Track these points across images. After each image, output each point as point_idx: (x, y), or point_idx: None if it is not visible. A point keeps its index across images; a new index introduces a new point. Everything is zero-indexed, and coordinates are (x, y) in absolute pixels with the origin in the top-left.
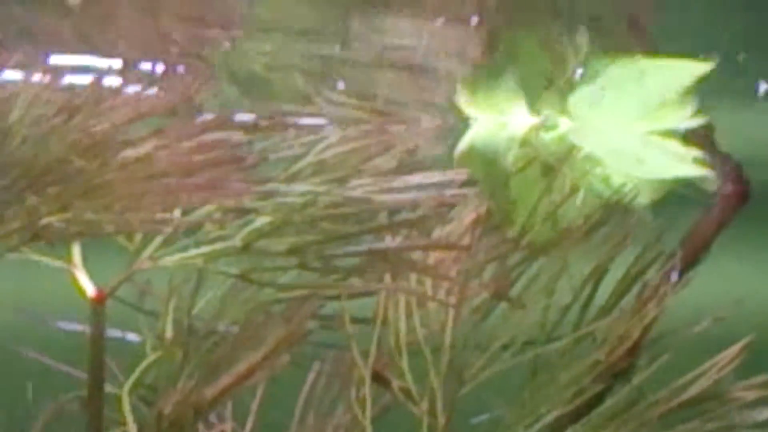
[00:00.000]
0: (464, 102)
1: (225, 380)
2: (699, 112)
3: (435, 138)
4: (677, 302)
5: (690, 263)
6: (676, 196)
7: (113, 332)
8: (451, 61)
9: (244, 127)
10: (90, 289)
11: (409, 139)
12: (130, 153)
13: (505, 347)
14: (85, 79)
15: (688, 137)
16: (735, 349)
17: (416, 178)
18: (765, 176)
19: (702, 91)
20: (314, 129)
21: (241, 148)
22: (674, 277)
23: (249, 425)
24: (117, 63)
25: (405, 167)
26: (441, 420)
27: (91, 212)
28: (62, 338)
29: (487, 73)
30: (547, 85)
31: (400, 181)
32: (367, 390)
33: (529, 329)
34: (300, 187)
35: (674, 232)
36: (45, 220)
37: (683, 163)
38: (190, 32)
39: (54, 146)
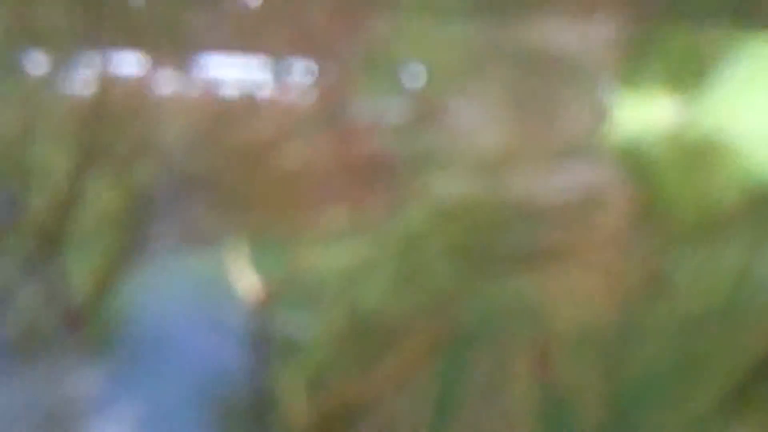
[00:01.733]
0: (615, 96)
1: (381, 377)
2: None
3: (589, 132)
4: None
5: None
6: None
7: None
8: (602, 56)
9: (396, 127)
10: (256, 287)
11: (564, 133)
12: (281, 161)
13: (662, 335)
14: (237, 82)
15: None
16: None
17: (571, 172)
18: None
19: None
20: (470, 123)
21: (391, 154)
22: None
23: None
24: (267, 63)
25: (560, 161)
26: (599, 407)
27: (247, 217)
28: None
29: (636, 67)
30: (694, 78)
31: (556, 174)
32: (528, 381)
33: (686, 317)
34: (457, 182)
35: None
36: (204, 224)
37: None
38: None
39: (210, 155)
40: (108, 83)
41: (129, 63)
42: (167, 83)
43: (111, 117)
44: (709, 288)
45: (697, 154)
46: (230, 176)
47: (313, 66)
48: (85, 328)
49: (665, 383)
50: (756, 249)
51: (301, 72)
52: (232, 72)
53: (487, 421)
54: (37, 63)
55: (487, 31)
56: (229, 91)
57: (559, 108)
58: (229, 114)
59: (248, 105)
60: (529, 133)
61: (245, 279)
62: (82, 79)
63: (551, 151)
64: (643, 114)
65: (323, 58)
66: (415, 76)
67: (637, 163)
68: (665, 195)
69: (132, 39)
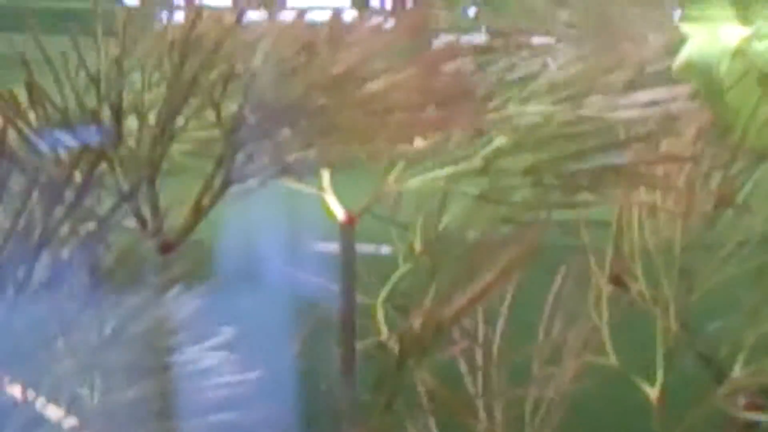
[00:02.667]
0: (682, 18)
1: (463, 298)
2: None
3: (661, 54)
4: None
5: None
6: None
7: (366, 248)
8: None
9: (478, 49)
10: (340, 212)
11: (637, 57)
12: (368, 89)
13: (733, 252)
14: (324, 14)
15: None
16: None
17: (644, 94)
18: None
19: None
20: (547, 48)
21: (473, 78)
22: None
23: (499, 329)
24: None
25: (634, 84)
26: (674, 325)
27: (334, 146)
28: (319, 258)
29: None
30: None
31: (629, 98)
32: (605, 293)
33: (756, 234)
34: (534, 107)
35: None
36: (292, 155)
37: None
38: None
39: (297, 85)
40: (198, 13)
41: None
42: (255, 12)
43: (201, 47)
44: None
45: (765, 72)
46: (318, 105)
47: None
48: (179, 256)
49: (738, 299)
50: None
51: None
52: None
53: (564, 335)
54: None
55: None
56: (317, 19)
57: (636, 31)
58: (316, 42)
59: (335, 33)
60: (604, 58)
61: (332, 205)
62: (173, 10)
63: (626, 75)
64: (710, 35)
65: None
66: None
67: (709, 85)
68: (737, 115)
69: None
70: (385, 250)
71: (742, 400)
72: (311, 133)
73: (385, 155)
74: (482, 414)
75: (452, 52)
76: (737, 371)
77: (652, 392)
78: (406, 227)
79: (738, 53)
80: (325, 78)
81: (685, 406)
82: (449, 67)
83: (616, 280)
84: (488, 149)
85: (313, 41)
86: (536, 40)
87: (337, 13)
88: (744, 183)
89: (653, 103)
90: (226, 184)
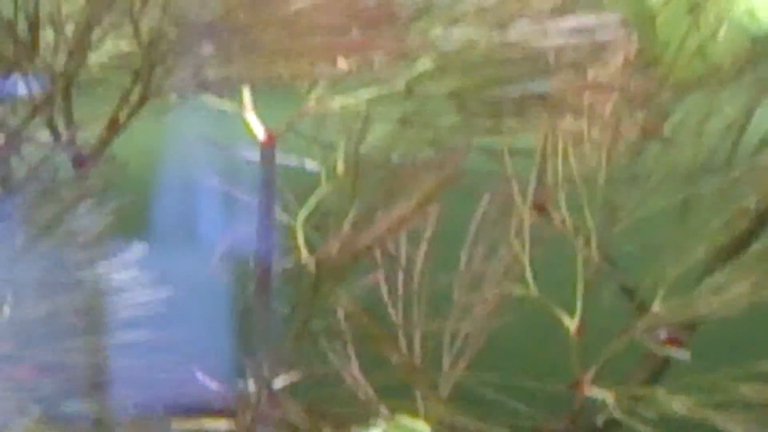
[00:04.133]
0: None
1: (383, 222)
2: None
3: None
4: None
5: None
6: None
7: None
8: None
9: None
10: (261, 131)
11: None
12: (290, 7)
13: (657, 185)
14: None
15: None
16: None
17: (572, 21)
18: None
19: None
20: None
21: (396, 3)
22: None
23: (421, 256)
24: None
25: (563, 10)
26: (595, 256)
27: (255, 64)
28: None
29: None
30: None
31: (556, 24)
32: (527, 222)
33: (680, 167)
34: (460, 31)
35: None
36: (212, 72)
37: None
38: None
39: (217, 2)
40: None
41: None
42: None
43: None
44: (708, 139)
45: (697, 2)
46: (238, 23)
47: None
48: (94, 171)
49: (661, 231)
50: (758, 100)
51: None
52: None
53: (486, 262)
54: None
55: None
56: None
57: None
58: None
59: None
60: None
61: (252, 123)
62: None
63: (554, 1)
64: None
65: None
66: None
67: (639, 13)
68: (666, 45)
69: None
70: (310, 165)
71: (662, 335)
72: (231, 50)
73: (307, 75)
74: (402, 342)
75: None
76: (657, 305)
77: (572, 324)
78: (329, 147)
79: None
80: None
81: (604, 338)
82: None
83: (540, 209)
84: (411, 72)
85: None
86: None
87: None
88: (671, 115)
89: (581, 30)
90: (144, 98)
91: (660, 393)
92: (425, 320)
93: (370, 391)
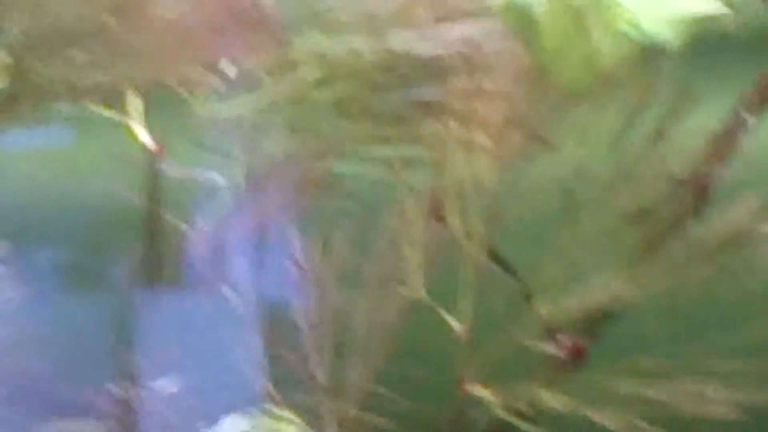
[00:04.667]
0: None
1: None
2: None
3: None
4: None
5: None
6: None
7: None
8: None
9: None
10: (147, 139)
11: None
12: (161, 12)
13: (544, 190)
14: None
15: None
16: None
17: (457, 29)
18: None
19: None
20: None
21: (276, 10)
22: (747, 118)
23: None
24: None
25: (448, 19)
26: (483, 259)
27: (127, 69)
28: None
29: None
30: None
31: (440, 33)
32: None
33: (567, 173)
34: (344, 40)
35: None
36: (86, 77)
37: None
38: None
39: (88, 6)
40: None
41: None
42: None
43: None
44: (590, 147)
45: (582, 10)
46: (111, 28)
47: None
48: None
49: (544, 232)
50: (640, 108)
51: None
52: None
53: (379, 264)
54: None
55: None
56: None
57: None
58: None
59: None
60: None
61: (138, 131)
62: None
63: (438, 10)
64: None
65: None
66: None
67: (526, 23)
68: (549, 53)
69: None
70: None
71: (564, 343)
72: (103, 55)
73: (187, 81)
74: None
75: None
76: (544, 308)
77: (459, 326)
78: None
79: None
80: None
81: (494, 342)
82: None
83: (438, 216)
84: (297, 80)
85: None
86: None
87: None
88: (558, 123)
89: (466, 38)
90: (13, 104)
91: (541, 391)
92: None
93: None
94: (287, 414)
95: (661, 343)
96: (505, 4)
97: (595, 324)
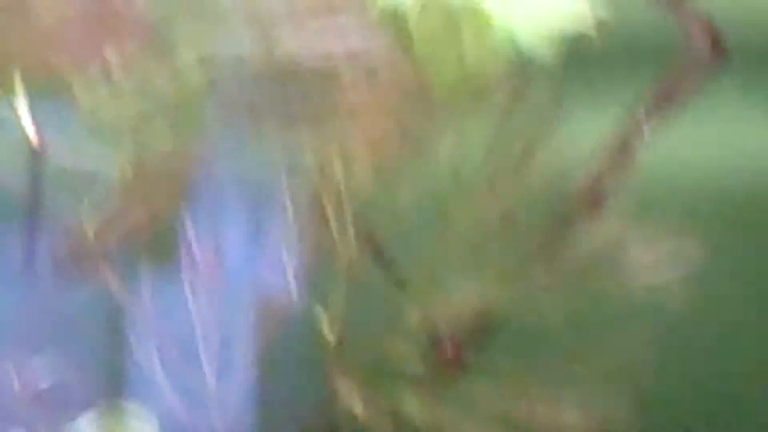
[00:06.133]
0: None
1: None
2: None
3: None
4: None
5: (660, 116)
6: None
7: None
8: None
9: None
10: (33, 135)
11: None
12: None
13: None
14: None
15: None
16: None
17: (339, 35)
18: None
19: None
20: None
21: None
22: (646, 130)
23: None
24: None
25: (328, 23)
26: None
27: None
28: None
29: None
30: None
31: (324, 36)
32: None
33: (442, 182)
34: (227, 40)
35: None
36: None
37: (563, 15)
38: None
39: None
40: None
41: None
42: None
43: None
44: (464, 156)
45: (457, 21)
46: None
47: None
48: None
49: (419, 237)
50: (513, 117)
51: None
52: None
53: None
54: None
55: None
56: None
57: None
58: None
59: None
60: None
61: (23, 126)
62: None
63: (319, 13)
64: None
65: None
66: None
67: (399, 30)
68: (426, 63)
69: None
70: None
71: (448, 352)
72: None
73: (70, 78)
74: None
75: None
76: (419, 312)
77: (331, 334)
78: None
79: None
80: None
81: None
82: None
83: (321, 220)
84: (183, 83)
85: None
86: None
87: None
88: (434, 129)
89: (347, 44)
90: None
91: (406, 397)
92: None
93: None
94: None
95: (532, 358)
96: (381, 12)
97: (476, 334)
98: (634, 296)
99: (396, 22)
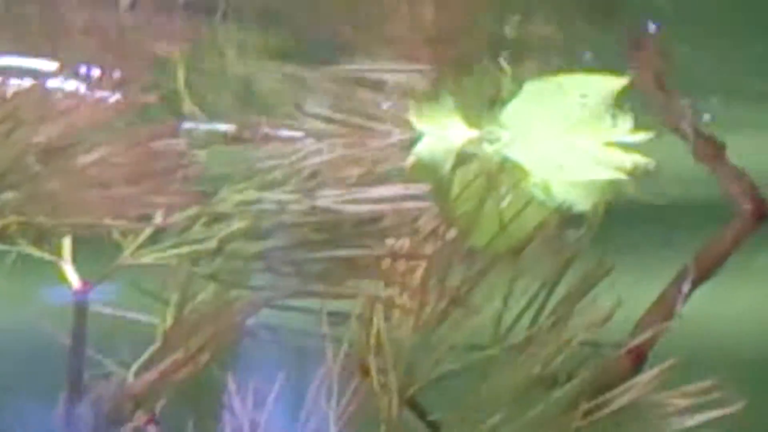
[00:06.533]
0: (416, 119)
1: (151, 375)
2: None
3: (402, 151)
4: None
5: (702, 278)
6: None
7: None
8: (408, 89)
9: (227, 138)
10: (75, 280)
11: (378, 152)
12: (82, 159)
13: (457, 351)
14: (24, 82)
15: (698, 155)
16: (664, 365)
17: (381, 190)
18: None
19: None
20: (292, 141)
21: (186, 157)
22: (685, 290)
23: None
24: (54, 65)
25: (373, 179)
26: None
27: (46, 215)
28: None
29: (434, 94)
30: (487, 104)
31: (366, 192)
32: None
33: (484, 334)
34: (272, 195)
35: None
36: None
37: (601, 166)
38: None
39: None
40: None
41: None
42: None
43: None
44: (505, 309)
45: (491, 175)
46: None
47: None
48: None
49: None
50: (554, 274)
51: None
52: (24, 71)
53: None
54: None
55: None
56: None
57: (379, 128)
58: (23, 113)
59: (43, 105)
60: (349, 151)
61: (68, 273)
62: None
63: (363, 174)
64: (439, 136)
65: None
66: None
67: (437, 185)
68: (463, 215)
69: None
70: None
71: None
72: (32, 198)
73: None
74: None
75: (170, 130)
76: None
77: None
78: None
79: (468, 156)
80: (35, 146)
81: None
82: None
83: (363, 371)
84: (224, 232)
85: (20, 111)
86: (283, 132)
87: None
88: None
89: (389, 198)
90: None
91: None
92: None
93: None
94: None
95: None
96: (417, 163)
97: None
98: None
99: (431, 173)
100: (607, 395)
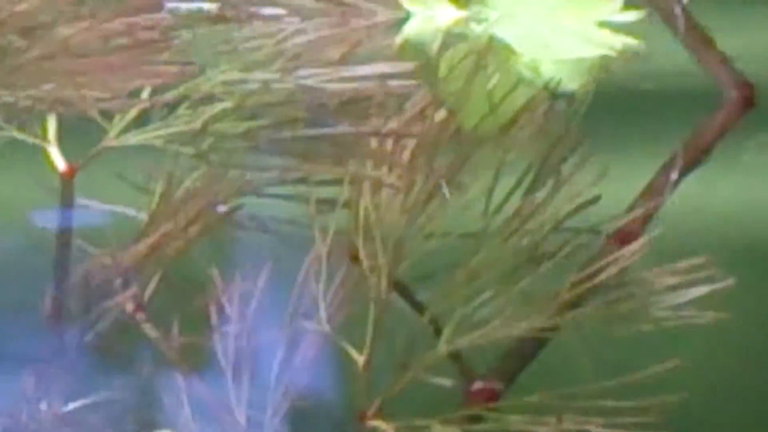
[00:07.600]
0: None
1: (139, 248)
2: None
3: (388, 30)
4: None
5: (690, 165)
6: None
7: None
8: None
9: (209, 16)
10: (61, 163)
11: (363, 32)
12: (64, 30)
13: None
14: None
15: (687, 41)
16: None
17: (366, 69)
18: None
19: None
20: (274, 19)
21: (169, 32)
22: (673, 177)
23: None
24: None
25: (358, 59)
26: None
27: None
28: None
29: None
30: None
31: (350, 71)
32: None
33: (472, 214)
34: (255, 75)
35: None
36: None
37: (589, 45)
38: None
39: None
40: None
41: None
42: None
43: None
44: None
45: (480, 54)
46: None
47: None
48: None
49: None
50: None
51: None
52: None
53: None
54: None
55: None
56: None
57: (365, 6)
58: None
59: None
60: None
61: (54, 156)
62: None
63: (349, 49)
64: (426, 15)
65: None
66: None
67: (425, 64)
68: (452, 94)
69: None
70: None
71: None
72: (13, 76)
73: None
74: None
75: (152, 3)
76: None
77: (360, 358)
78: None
79: (450, 34)
80: (17, 16)
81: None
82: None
83: (352, 255)
84: (209, 112)
85: None
86: (266, 11)
87: None
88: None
89: (374, 77)
90: None
91: (435, 426)
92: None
93: None
94: None
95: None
96: (404, 43)
97: (510, 367)
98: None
99: (418, 52)
100: (594, 267)
